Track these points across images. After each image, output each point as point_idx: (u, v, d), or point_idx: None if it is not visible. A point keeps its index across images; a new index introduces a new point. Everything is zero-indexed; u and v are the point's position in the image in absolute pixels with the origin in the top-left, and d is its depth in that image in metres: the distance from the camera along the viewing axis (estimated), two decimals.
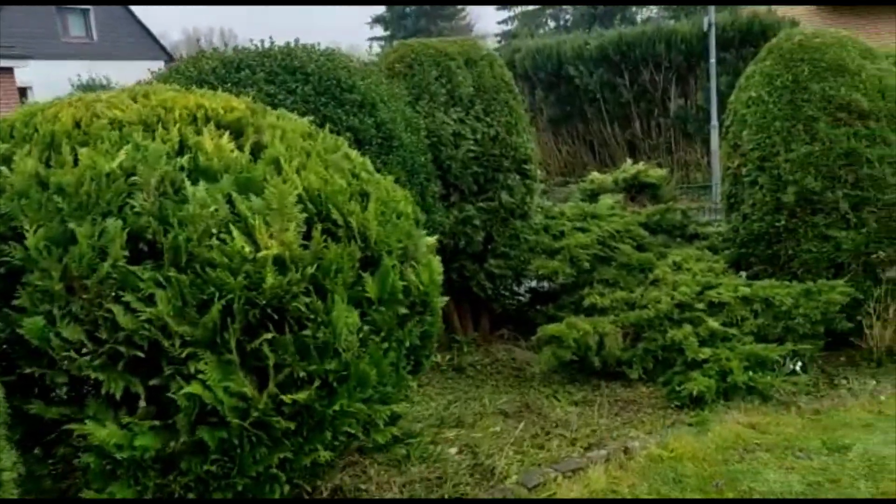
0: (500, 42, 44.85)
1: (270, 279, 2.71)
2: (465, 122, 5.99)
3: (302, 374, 2.78)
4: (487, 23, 64.21)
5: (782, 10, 19.31)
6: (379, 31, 49.84)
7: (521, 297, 7.08)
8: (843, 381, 5.31)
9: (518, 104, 6.32)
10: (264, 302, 2.71)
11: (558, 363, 5.49)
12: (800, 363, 5.40)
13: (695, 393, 4.96)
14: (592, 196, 7.53)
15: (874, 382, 5.25)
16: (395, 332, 3.13)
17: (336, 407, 2.88)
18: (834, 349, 5.79)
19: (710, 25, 14.21)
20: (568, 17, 56.13)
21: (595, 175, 7.82)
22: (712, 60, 14.13)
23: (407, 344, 3.20)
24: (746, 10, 15.59)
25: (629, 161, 7.89)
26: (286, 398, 2.73)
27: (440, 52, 6.09)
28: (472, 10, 57.95)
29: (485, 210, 6.06)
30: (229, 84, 4.36)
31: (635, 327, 5.69)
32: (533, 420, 4.87)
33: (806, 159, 5.61)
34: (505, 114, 6.14)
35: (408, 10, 51.12)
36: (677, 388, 5.11)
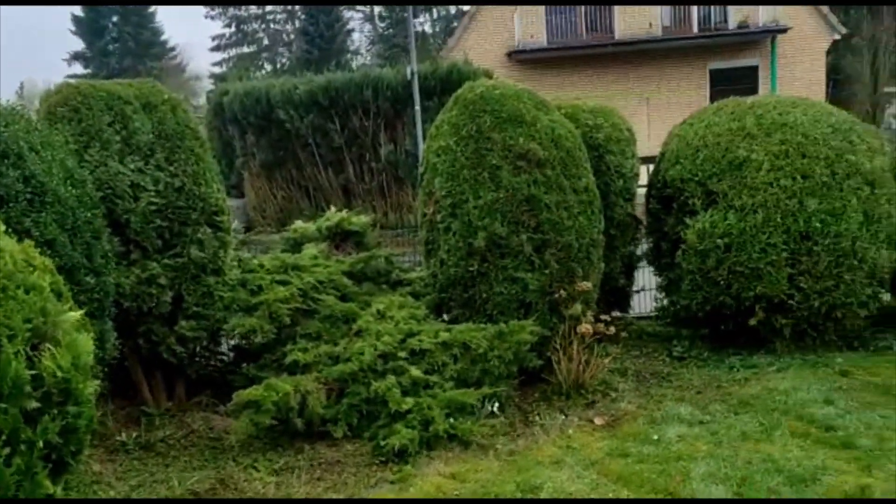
0: (214, 83, 43.52)
1: None
2: (144, 172, 5.45)
3: None
4: (200, 63, 61.95)
5: (477, 62, 20.80)
6: (78, 68, 46.05)
7: (224, 358, 6.59)
8: (537, 418, 5.52)
9: (206, 152, 5.90)
10: None
11: (258, 429, 5.11)
12: (497, 404, 5.54)
13: (397, 447, 4.85)
14: (296, 246, 7.28)
15: (563, 417, 5.52)
16: (22, 431, 2.59)
17: None
18: (529, 386, 6.04)
19: (413, 74, 14.79)
20: (285, 60, 56.17)
21: (298, 224, 7.59)
22: (417, 107, 14.71)
23: (40, 444, 2.67)
24: (447, 61, 16.49)
25: (332, 208, 7.77)
26: None
27: (113, 95, 5.50)
28: (184, 51, 55.79)
29: (172, 267, 5.53)
30: None
31: (339, 382, 5.49)
32: (227, 497, 4.45)
33: (492, 206, 5.82)
34: (191, 163, 5.69)
35: (111, 47, 47.93)
36: (381, 443, 4.98)
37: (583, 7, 22.85)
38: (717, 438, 5.00)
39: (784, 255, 6.23)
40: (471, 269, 5.93)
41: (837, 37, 23.33)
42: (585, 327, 5.77)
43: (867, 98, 29.28)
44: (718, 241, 6.36)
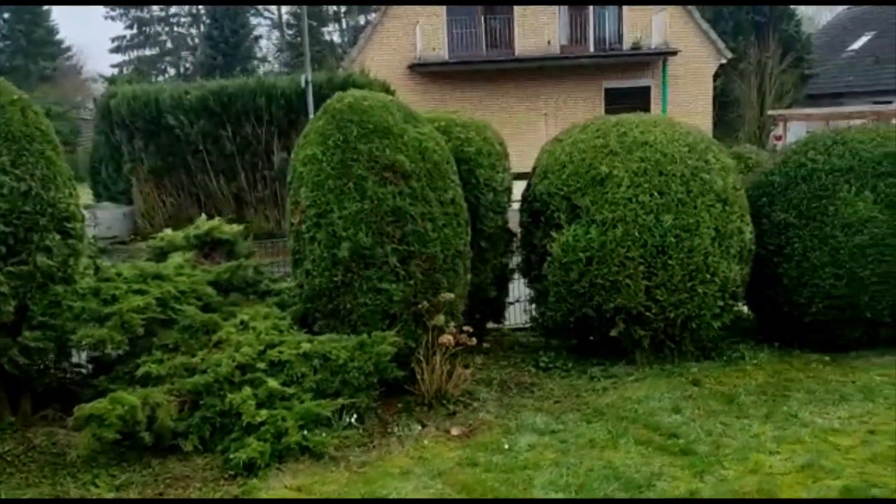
0: (106, 86, 42.02)
1: None
2: None
3: None
4: (99, 64, 59.27)
5: (379, 73, 20.78)
6: None
7: (82, 369, 6.34)
8: (396, 429, 5.52)
9: (58, 155, 5.68)
10: None
11: (102, 444, 4.93)
12: (356, 415, 5.52)
13: (245, 460, 4.77)
14: (163, 254, 7.09)
15: (420, 427, 5.54)
16: None
17: None
18: (393, 396, 6.03)
19: (307, 83, 14.68)
20: (189, 65, 54.83)
21: (167, 232, 7.39)
22: (311, 116, 14.55)
23: None
24: (346, 71, 16.43)
25: (203, 216, 7.61)
26: None
27: None
28: (81, 51, 53.78)
29: (16, 275, 5.29)
30: None
31: (194, 394, 5.37)
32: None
33: (357, 216, 5.82)
34: (41, 166, 5.46)
35: (1, 44, 45.76)
36: (231, 457, 4.89)
37: (483, 22, 23.23)
38: (565, 447, 5.12)
39: (641, 269, 6.45)
40: (335, 279, 5.90)
41: (724, 61, 24.48)
42: (446, 338, 5.82)
43: (755, 120, 30.77)
44: (581, 254, 6.54)
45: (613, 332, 6.63)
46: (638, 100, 23.76)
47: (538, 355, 7.15)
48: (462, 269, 6.32)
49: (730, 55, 24.63)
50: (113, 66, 53.36)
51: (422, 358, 5.94)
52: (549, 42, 23.31)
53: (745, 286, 7.05)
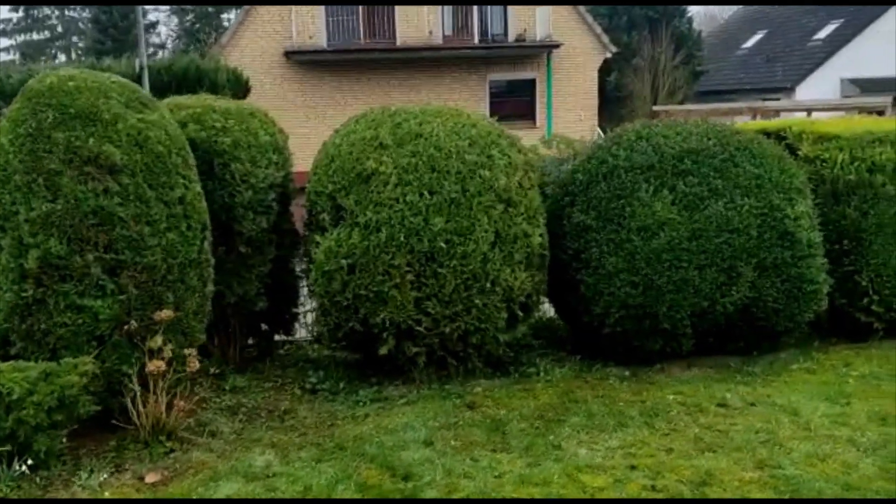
0: None
1: None
2: None
3: None
4: None
5: (253, 61, 19.70)
6: None
7: None
8: (83, 477, 4.57)
9: None
10: None
11: None
12: (30, 462, 4.56)
13: None
14: None
15: (108, 474, 4.61)
16: None
17: None
18: (112, 432, 5.10)
19: (141, 68, 13.48)
20: (80, 51, 52.06)
21: None
22: None
23: None
24: (189, 57, 15.28)
25: None
26: None
27: None
28: None
29: None
30: None
31: None
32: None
33: (48, 219, 4.85)
34: None
35: None
36: None
37: (361, 10, 22.27)
38: (271, 496, 4.28)
39: (409, 278, 5.67)
40: (25, 294, 4.90)
41: (609, 55, 24.16)
42: (155, 364, 4.90)
43: (646, 116, 30.82)
44: (343, 261, 5.72)
45: (383, 350, 5.84)
46: (523, 93, 23.31)
47: (308, 374, 6.30)
48: (196, 281, 5.39)
49: (615, 49, 24.33)
50: None
51: (135, 387, 5.01)
52: (430, 32, 22.51)
53: (541, 295, 6.40)
